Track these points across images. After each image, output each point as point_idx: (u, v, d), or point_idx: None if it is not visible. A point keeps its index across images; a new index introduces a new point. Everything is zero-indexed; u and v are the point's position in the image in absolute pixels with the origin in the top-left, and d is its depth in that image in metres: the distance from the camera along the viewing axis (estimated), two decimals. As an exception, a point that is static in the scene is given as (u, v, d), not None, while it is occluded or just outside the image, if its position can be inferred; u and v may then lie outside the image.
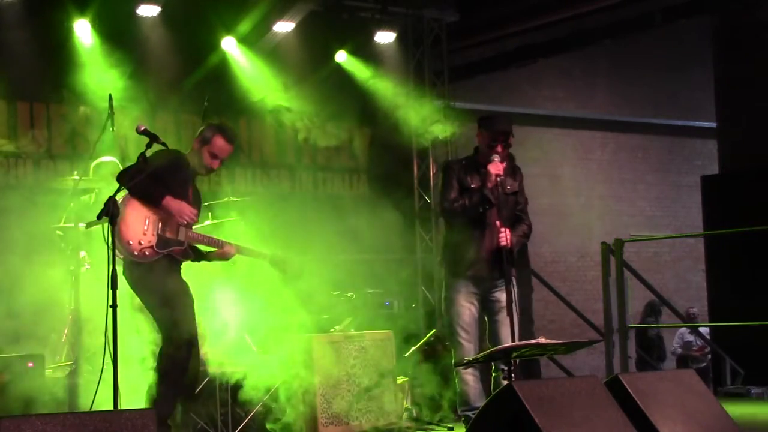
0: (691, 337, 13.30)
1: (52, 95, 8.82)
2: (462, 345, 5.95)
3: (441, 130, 10.34)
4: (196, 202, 5.80)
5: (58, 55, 8.71)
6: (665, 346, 13.76)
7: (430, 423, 7.18)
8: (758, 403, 8.53)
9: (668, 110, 15.56)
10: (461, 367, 5.88)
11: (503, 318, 5.83)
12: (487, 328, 6.15)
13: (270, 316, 8.37)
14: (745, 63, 10.98)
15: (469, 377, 5.97)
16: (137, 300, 5.79)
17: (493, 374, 6.05)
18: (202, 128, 5.81)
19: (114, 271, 4.86)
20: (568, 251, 14.06)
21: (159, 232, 5.48)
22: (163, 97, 9.17)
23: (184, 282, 5.71)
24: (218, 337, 7.13)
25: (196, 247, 5.79)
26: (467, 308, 6.00)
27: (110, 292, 4.82)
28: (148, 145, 5.31)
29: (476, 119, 6.18)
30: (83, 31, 8.87)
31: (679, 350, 13.43)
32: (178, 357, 5.50)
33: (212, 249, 5.81)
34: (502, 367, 5.40)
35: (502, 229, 5.84)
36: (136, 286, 5.56)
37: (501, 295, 5.86)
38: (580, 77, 14.82)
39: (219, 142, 5.69)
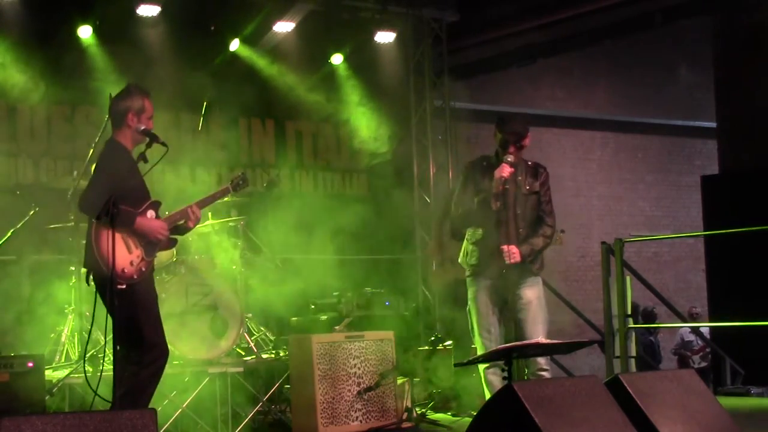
0: (691, 337, 13.30)
1: (52, 95, 8.81)
2: (484, 345, 5.87)
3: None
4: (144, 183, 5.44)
5: (58, 55, 8.71)
6: (660, 353, 13.72)
7: (429, 423, 7.18)
8: (758, 403, 8.52)
9: (668, 110, 15.55)
10: (484, 367, 5.82)
11: (525, 316, 5.82)
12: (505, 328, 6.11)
13: (270, 316, 8.41)
14: (745, 63, 10.98)
15: (494, 378, 5.88)
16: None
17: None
18: (124, 102, 5.33)
19: (114, 272, 4.85)
20: (567, 251, 14.05)
21: (143, 243, 5.25)
22: (162, 96, 9.16)
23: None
24: (219, 336, 7.14)
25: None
26: (489, 307, 5.95)
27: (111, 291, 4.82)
28: (148, 145, 5.29)
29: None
30: (83, 31, 8.89)
31: (680, 351, 13.43)
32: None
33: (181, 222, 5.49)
34: (504, 366, 5.34)
35: (505, 248, 5.76)
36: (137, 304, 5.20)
37: (523, 293, 5.83)
38: (580, 77, 14.81)
39: (148, 104, 5.38)
